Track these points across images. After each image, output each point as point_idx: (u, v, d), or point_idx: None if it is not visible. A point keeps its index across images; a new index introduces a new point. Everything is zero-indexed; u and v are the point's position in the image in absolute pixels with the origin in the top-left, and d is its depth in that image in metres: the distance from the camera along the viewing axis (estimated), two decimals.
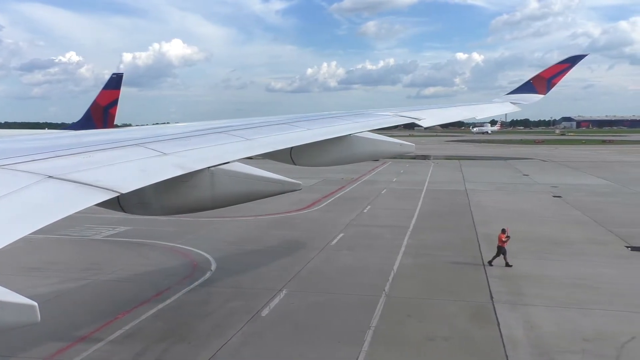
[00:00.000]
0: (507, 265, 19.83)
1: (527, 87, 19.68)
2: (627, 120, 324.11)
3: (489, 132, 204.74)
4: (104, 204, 5.34)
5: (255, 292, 17.00)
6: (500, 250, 20.03)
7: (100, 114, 52.15)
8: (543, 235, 25.51)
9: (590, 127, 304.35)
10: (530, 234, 25.92)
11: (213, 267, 20.07)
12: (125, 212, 7.79)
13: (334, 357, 12.47)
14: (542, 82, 19.38)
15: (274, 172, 8.44)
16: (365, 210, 32.47)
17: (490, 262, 20.10)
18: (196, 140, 7.83)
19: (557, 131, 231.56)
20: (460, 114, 17.71)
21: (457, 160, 71.43)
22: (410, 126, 15.32)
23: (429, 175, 52.75)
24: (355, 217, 30.08)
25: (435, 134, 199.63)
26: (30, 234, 4.05)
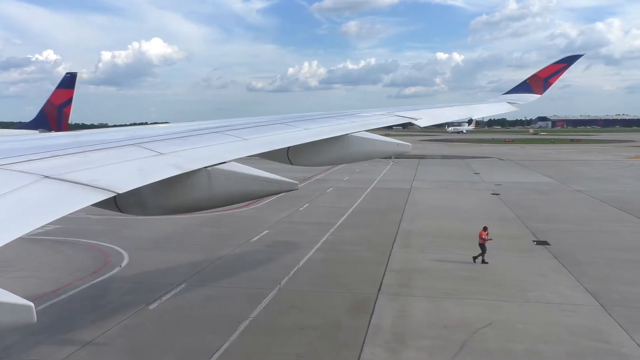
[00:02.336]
0: (483, 262, 20.35)
1: (524, 87, 19.69)
2: (601, 120, 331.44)
3: (464, 131, 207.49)
4: (100, 204, 5.28)
5: (154, 287, 17.59)
6: (481, 248, 20.56)
7: (55, 113, 51.99)
8: (461, 231, 26.50)
9: (565, 126, 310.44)
10: (449, 229, 26.98)
11: (124, 263, 20.61)
12: (122, 212, 7.79)
13: (201, 346, 13.10)
14: (539, 82, 19.40)
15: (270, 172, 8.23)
16: (301, 208, 33.19)
17: (483, 261, 20.42)
18: (193, 140, 7.90)
19: (531, 130, 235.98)
20: (457, 113, 17.73)
21: (417, 159, 72.68)
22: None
23: (383, 174, 53.71)
24: (288, 215, 30.79)
25: (411, 133, 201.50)
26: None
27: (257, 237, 25.10)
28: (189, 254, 22.24)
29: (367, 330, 14.10)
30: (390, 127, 14.44)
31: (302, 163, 11.32)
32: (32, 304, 3.49)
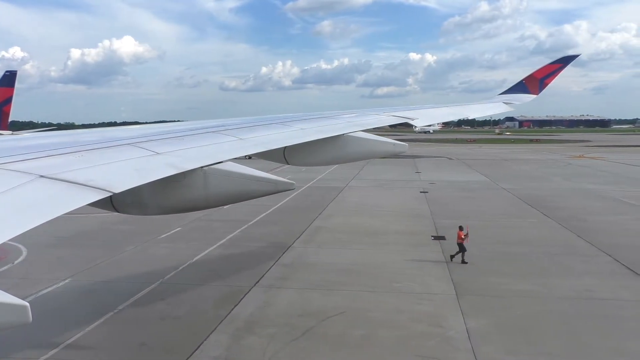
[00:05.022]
0: (463, 261, 20.29)
1: (520, 87, 19.86)
2: (566, 120, 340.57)
3: (431, 131, 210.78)
4: (96, 204, 5.30)
5: (37, 282, 18.00)
6: (460, 247, 20.59)
7: None
8: (369, 227, 27.56)
9: (532, 126, 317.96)
10: (359, 226, 27.99)
11: (19, 260, 20.94)
12: (118, 212, 7.77)
13: (52, 338, 13.58)
14: (535, 82, 19.58)
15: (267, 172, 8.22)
16: (226, 207, 33.77)
17: (452, 258, 20.57)
18: (189, 140, 7.89)
19: (497, 131, 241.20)
20: (453, 113, 17.79)
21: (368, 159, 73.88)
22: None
23: (325, 173, 54.47)
24: (208, 213, 31.17)
25: (379, 132, 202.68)
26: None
27: (166, 235, 25.64)
28: (90, 250, 22.65)
29: (224, 319, 14.86)
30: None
31: (298, 163, 11.44)
32: (27, 304, 3.52)
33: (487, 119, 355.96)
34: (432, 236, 25.59)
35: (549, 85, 19.96)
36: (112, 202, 7.38)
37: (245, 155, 8.07)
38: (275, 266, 20.29)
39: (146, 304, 16.13)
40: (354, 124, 12.05)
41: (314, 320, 14.79)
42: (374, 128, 12.33)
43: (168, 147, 7.03)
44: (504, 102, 19.25)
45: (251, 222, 28.74)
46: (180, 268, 19.88)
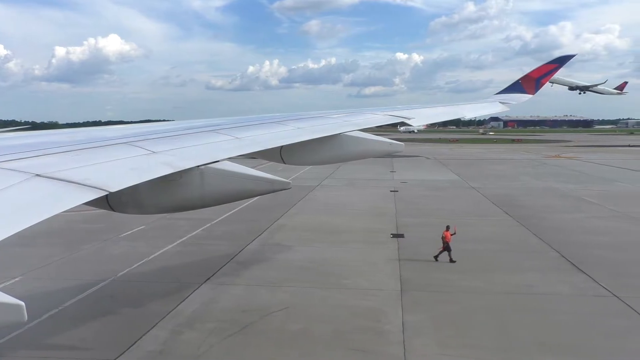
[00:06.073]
0: (451, 260, 20.37)
1: (516, 87, 19.99)
2: (550, 121, 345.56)
3: (416, 130, 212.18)
4: (92, 203, 5.31)
5: None
6: (446, 247, 20.58)
7: None
8: (331, 225, 27.92)
9: (516, 126, 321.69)
10: (321, 224, 28.34)
11: None
12: (114, 211, 7.79)
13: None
14: (531, 82, 19.73)
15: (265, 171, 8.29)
16: None
17: (451, 260, 20.36)
18: (185, 139, 7.95)
19: (481, 130, 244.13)
20: (449, 113, 18.00)
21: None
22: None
23: (301, 172, 54.77)
24: None
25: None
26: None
27: (129, 233, 25.75)
28: (49, 248, 22.69)
29: (167, 315, 15.08)
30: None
31: (295, 162, 11.48)
32: (22, 303, 3.59)
33: (472, 119, 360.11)
34: (391, 234, 26.01)
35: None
36: (108, 202, 7.47)
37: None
38: (230, 263, 20.55)
39: (93, 301, 16.30)
40: (351, 123, 12.14)
41: (256, 315, 15.08)
42: (369, 127, 12.43)
43: (164, 146, 7.09)
44: (500, 102, 19.40)
45: (216, 220, 28.93)
46: (135, 265, 20.05)
